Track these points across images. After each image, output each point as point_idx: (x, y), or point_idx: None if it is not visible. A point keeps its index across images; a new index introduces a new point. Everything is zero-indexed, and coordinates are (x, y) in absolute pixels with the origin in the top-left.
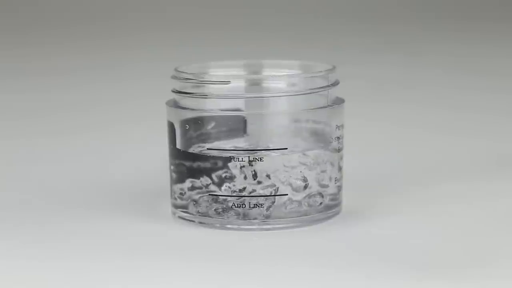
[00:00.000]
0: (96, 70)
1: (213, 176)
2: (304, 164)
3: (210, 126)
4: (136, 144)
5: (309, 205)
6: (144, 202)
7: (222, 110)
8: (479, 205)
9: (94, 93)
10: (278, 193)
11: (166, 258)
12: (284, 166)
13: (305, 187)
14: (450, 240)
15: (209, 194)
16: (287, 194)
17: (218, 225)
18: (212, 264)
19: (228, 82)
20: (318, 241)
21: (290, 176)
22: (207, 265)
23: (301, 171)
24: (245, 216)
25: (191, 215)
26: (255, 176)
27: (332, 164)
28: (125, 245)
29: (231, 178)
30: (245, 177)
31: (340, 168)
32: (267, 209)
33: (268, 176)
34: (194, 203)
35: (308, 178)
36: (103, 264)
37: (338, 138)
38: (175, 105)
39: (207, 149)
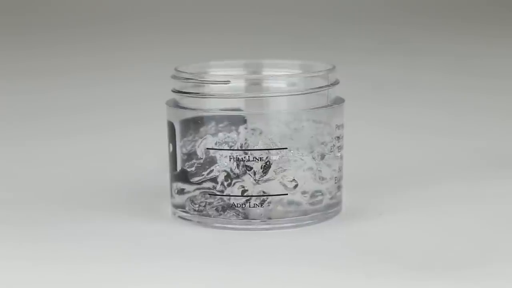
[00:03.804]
0: (96, 71)
1: (212, 176)
2: (304, 164)
3: (210, 125)
4: (136, 144)
5: (311, 204)
6: (144, 202)
7: (222, 110)
8: (479, 205)
9: (94, 94)
10: (277, 193)
11: (166, 258)
12: (285, 165)
13: (295, 187)
14: (450, 240)
15: (209, 194)
16: (286, 194)
17: (217, 224)
18: (212, 264)
19: (228, 82)
20: (318, 241)
21: (286, 176)
22: (207, 265)
23: (291, 173)
24: (245, 216)
25: (190, 215)
26: (254, 176)
27: (331, 164)
28: (125, 245)
29: (230, 177)
30: (245, 177)
31: (340, 168)
32: (267, 207)
33: (268, 175)
34: (191, 201)
35: (304, 178)
36: (102, 264)
37: (338, 138)
38: (175, 105)
39: (206, 148)
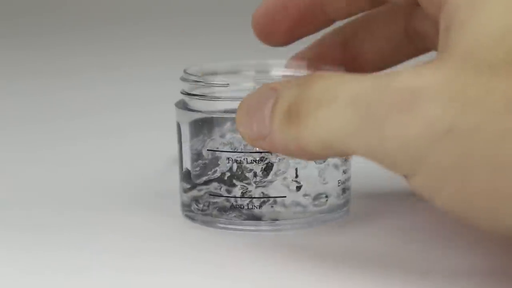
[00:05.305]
0: (104, 71)
1: (215, 176)
2: (307, 165)
3: (218, 127)
4: (144, 144)
5: (315, 206)
6: (151, 203)
7: (227, 111)
8: None
9: (102, 94)
10: (279, 195)
11: (168, 257)
12: (287, 167)
13: (298, 188)
14: (454, 241)
15: (213, 195)
16: (289, 196)
17: (221, 225)
18: (212, 265)
19: (227, 85)
20: (322, 244)
21: (288, 178)
22: (207, 265)
23: (296, 174)
24: (247, 217)
25: (195, 214)
26: (256, 177)
27: (335, 166)
28: (130, 246)
29: (233, 179)
30: (246, 178)
31: (344, 170)
32: (270, 209)
33: (270, 177)
34: (196, 201)
35: (306, 180)
36: (106, 265)
37: None
38: (184, 106)
39: (207, 150)
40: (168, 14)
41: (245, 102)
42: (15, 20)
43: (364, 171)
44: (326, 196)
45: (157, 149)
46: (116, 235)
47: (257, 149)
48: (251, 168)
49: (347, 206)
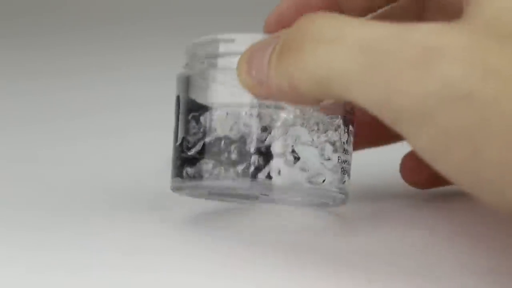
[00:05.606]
0: (104, 71)
1: (210, 141)
2: (305, 137)
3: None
4: (144, 145)
5: (311, 183)
6: (151, 203)
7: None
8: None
9: (102, 94)
10: (276, 165)
11: (172, 258)
12: (287, 134)
13: (296, 159)
14: (457, 241)
15: (204, 163)
16: (281, 157)
17: (213, 193)
18: (215, 264)
19: (232, 40)
20: (318, 241)
21: (288, 146)
22: (211, 266)
23: (294, 144)
24: (241, 183)
25: (185, 184)
26: (252, 143)
27: (335, 144)
28: (130, 245)
29: (229, 143)
30: (244, 141)
31: (345, 150)
32: (265, 180)
33: (268, 141)
34: (187, 171)
35: (305, 154)
36: (106, 263)
37: (346, 118)
38: (185, 77)
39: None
40: (167, 14)
41: (248, 50)
42: (15, 20)
43: (364, 169)
44: (324, 175)
45: (157, 149)
46: (116, 234)
47: (255, 101)
48: (248, 125)
49: (345, 194)
